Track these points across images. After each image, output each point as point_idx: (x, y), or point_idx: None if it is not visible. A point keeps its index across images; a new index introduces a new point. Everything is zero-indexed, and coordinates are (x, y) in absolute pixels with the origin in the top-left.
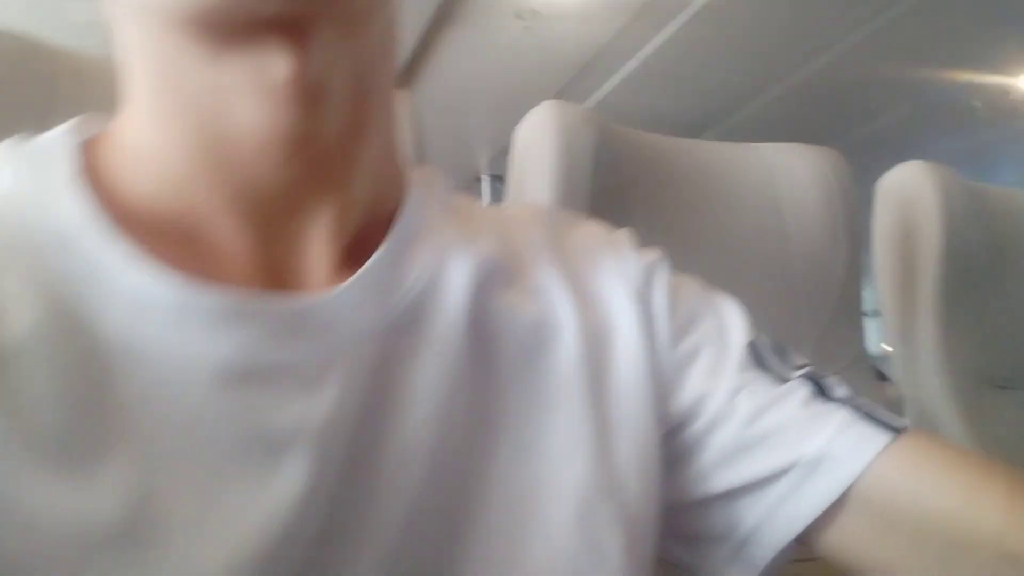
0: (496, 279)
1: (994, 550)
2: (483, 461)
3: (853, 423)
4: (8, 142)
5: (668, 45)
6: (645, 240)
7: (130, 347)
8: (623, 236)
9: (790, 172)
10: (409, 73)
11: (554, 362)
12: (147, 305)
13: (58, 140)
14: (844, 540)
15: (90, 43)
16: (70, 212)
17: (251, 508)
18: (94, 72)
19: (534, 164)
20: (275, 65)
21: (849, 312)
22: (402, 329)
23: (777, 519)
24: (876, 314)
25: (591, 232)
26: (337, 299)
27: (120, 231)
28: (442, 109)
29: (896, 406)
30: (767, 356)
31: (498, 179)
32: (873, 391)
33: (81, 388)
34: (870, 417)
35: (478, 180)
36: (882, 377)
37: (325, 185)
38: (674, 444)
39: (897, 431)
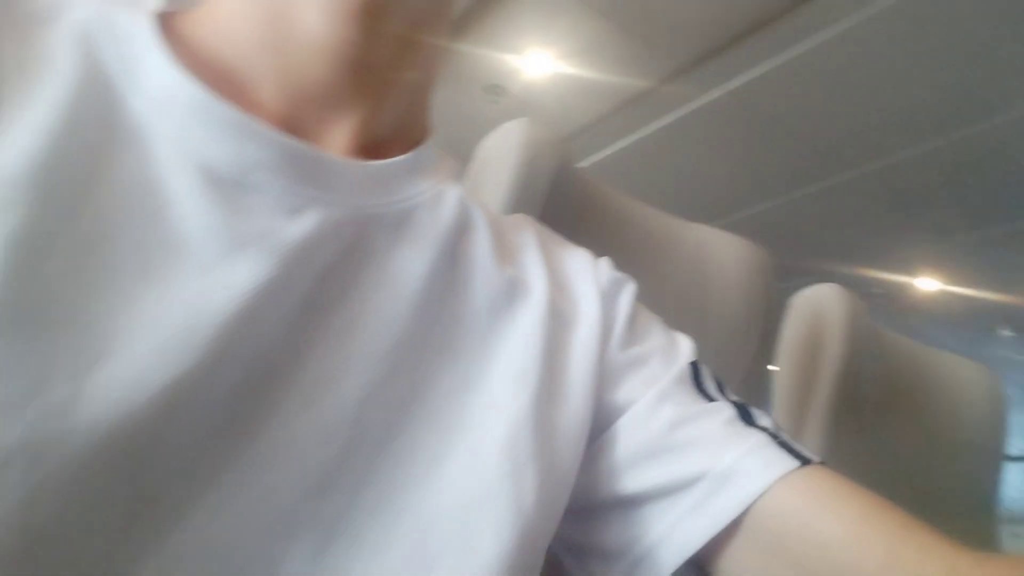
0: (487, 232)
1: None
2: (436, 371)
3: (766, 446)
4: None
5: (642, 143)
6: None
7: (143, 131)
8: (604, 259)
9: (722, 257)
10: None
11: (518, 317)
12: (170, 102)
13: None
14: (734, 564)
15: None
16: (132, 22)
17: (206, 292)
18: None
19: (491, 178)
20: None
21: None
22: (396, 223)
23: (678, 534)
24: None
25: (572, 247)
26: (346, 165)
27: (170, 49)
28: None
29: None
30: (705, 380)
31: None
32: None
33: (82, 148)
34: (784, 446)
35: None
36: None
37: (363, 94)
38: (596, 441)
39: (806, 461)
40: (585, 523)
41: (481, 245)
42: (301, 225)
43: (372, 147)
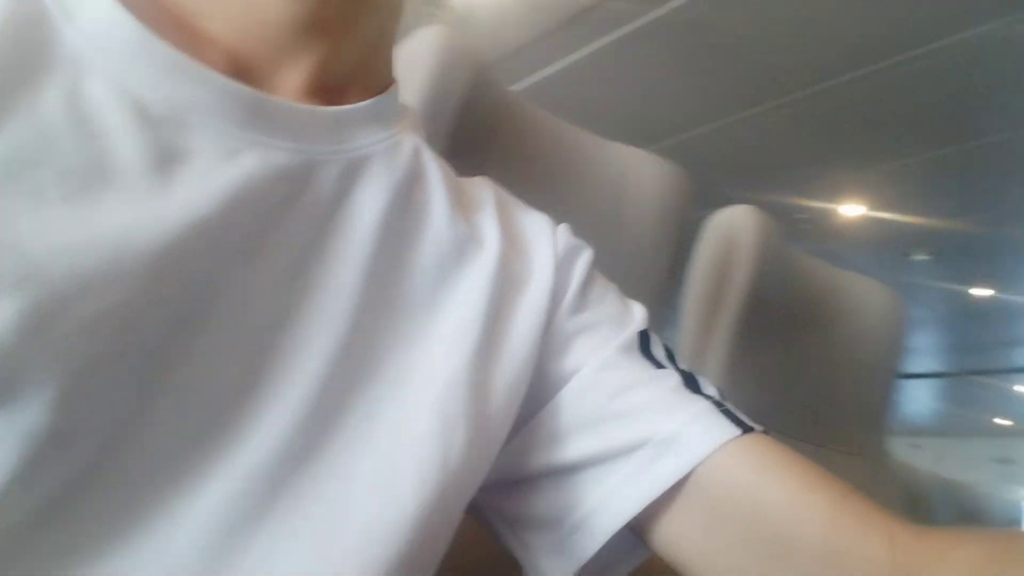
0: (442, 186)
1: (819, 547)
2: (381, 325)
3: (709, 413)
4: None
5: (582, 64)
6: None
7: (76, 64)
8: (563, 225)
9: (639, 176)
10: None
11: (466, 273)
12: (106, 37)
13: None
14: (675, 532)
15: None
16: None
17: (133, 225)
18: None
19: (402, 87)
20: None
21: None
22: (348, 171)
23: (615, 501)
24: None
25: (532, 211)
26: (293, 110)
27: None
28: None
29: None
30: (654, 347)
31: None
32: None
33: (5, 71)
34: (728, 414)
35: None
36: None
37: (320, 35)
38: (540, 411)
39: (748, 429)
40: (521, 493)
41: (435, 198)
42: (239, 167)
43: (330, 91)
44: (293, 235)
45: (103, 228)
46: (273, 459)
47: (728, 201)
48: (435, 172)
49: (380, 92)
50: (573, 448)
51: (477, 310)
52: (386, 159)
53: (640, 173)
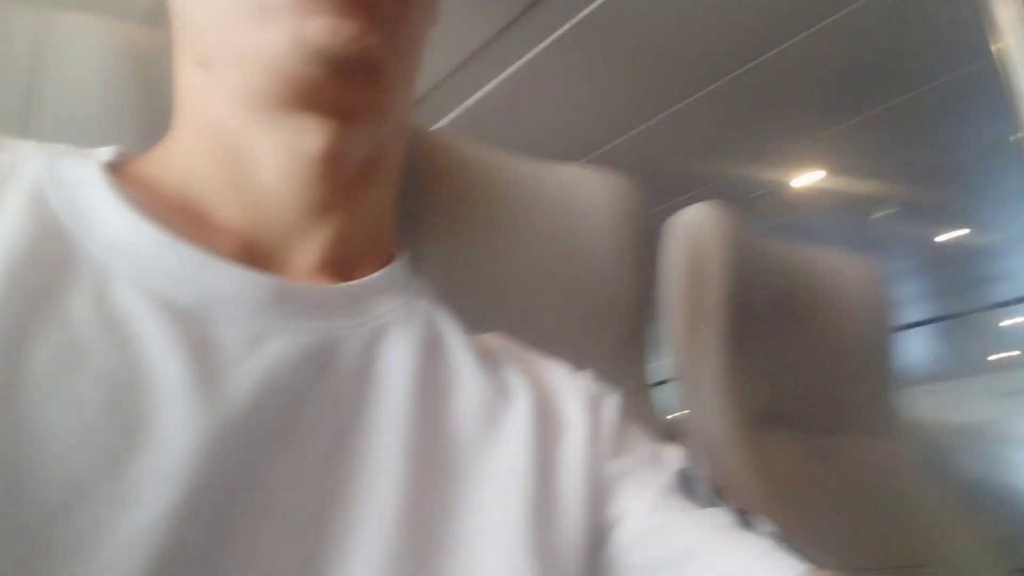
0: (463, 343)
1: None
2: (427, 495)
3: (775, 550)
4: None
5: (502, 89)
6: (445, 245)
7: (101, 274)
8: (585, 372)
9: (587, 195)
10: None
11: (505, 429)
12: (126, 244)
13: (102, 151)
14: None
15: None
16: (82, 172)
17: (172, 431)
18: None
19: None
20: (313, 138)
21: (633, 341)
22: (369, 344)
23: None
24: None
25: (550, 360)
26: (309, 290)
27: (122, 195)
28: None
29: (673, 438)
30: (696, 486)
31: None
32: (651, 422)
33: (35, 288)
34: (790, 551)
35: None
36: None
37: (325, 220)
38: (598, 560)
39: (811, 565)
40: None
41: (459, 357)
42: (265, 354)
43: (343, 265)
44: (325, 413)
45: (146, 436)
46: None
47: (684, 192)
48: (454, 331)
49: (388, 262)
50: None
51: (524, 467)
52: (405, 324)
53: (587, 191)
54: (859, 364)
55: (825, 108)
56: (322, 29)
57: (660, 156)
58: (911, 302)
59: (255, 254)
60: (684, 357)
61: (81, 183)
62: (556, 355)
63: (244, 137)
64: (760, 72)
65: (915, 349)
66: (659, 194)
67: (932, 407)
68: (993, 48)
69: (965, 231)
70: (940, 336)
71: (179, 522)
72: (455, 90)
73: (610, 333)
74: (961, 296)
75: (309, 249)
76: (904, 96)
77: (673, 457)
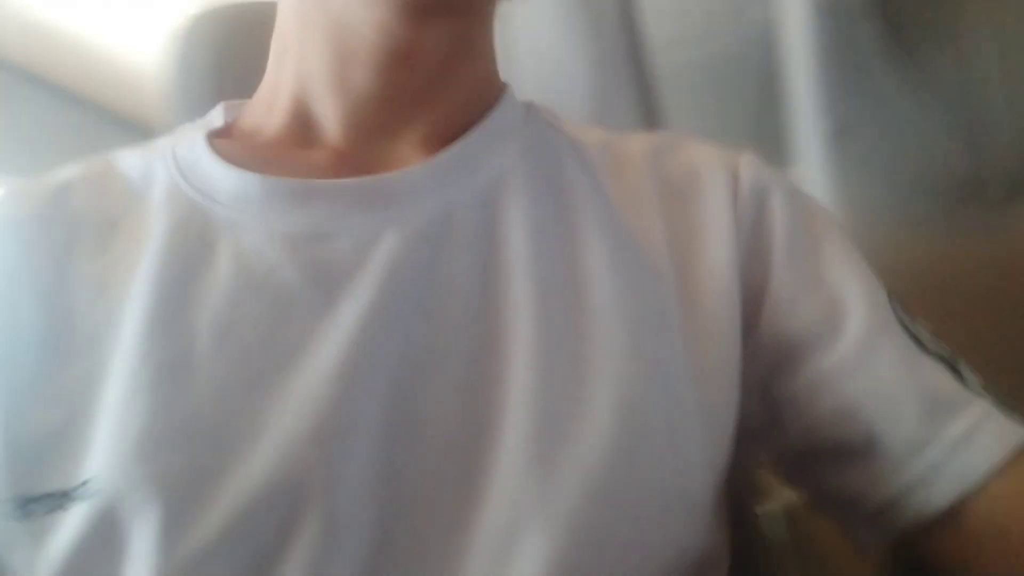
0: (584, 167)
1: None
2: (576, 347)
3: (997, 412)
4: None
5: None
6: None
7: (231, 231)
8: (747, 157)
9: None
10: None
11: (631, 273)
12: (241, 199)
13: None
14: (967, 542)
15: None
16: (192, 149)
17: (317, 331)
18: None
19: None
20: (394, 34)
21: None
22: (483, 202)
23: (954, 465)
24: None
25: (690, 143)
26: (412, 175)
27: (227, 155)
28: None
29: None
30: (904, 317)
31: None
32: None
33: (183, 268)
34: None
35: None
36: None
37: (423, 98)
38: (790, 376)
39: None
40: (812, 471)
41: (580, 187)
42: (384, 249)
43: (454, 134)
44: (454, 291)
45: (299, 362)
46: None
47: None
48: (579, 166)
49: (493, 105)
50: (860, 425)
51: (656, 311)
52: (522, 171)
53: None
54: None
55: None
56: None
57: None
58: None
59: (357, 164)
60: None
61: (196, 159)
62: None
63: (347, 37)
64: None
65: None
66: None
67: None
68: None
69: None
70: None
71: (349, 424)
72: None
73: None
74: None
75: (412, 135)
76: None
77: (872, 279)
